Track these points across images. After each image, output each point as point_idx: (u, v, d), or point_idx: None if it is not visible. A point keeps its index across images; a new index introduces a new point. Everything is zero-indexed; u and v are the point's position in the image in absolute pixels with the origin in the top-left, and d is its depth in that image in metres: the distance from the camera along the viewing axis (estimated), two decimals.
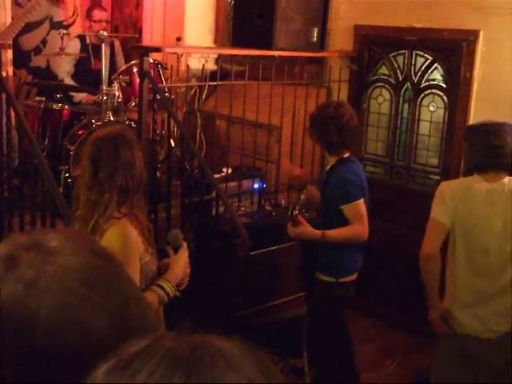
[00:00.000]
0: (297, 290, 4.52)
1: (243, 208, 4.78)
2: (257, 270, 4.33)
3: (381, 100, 5.35)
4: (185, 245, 2.65)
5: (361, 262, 3.74)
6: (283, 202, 4.89)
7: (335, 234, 3.55)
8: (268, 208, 4.82)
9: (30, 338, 0.80)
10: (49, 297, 0.81)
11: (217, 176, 4.59)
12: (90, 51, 5.65)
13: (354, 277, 3.72)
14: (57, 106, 5.11)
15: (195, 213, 4.41)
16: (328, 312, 3.75)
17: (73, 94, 5.60)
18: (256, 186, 4.91)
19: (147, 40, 6.02)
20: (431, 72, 4.96)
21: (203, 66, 4.98)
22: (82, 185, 2.46)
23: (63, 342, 0.81)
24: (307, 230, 3.61)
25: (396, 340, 4.81)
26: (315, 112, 3.78)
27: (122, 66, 5.63)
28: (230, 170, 4.85)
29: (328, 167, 3.74)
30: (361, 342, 4.15)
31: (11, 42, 4.51)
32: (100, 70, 5.18)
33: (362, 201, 3.54)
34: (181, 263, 2.60)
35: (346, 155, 3.64)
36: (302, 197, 3.64)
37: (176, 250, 2.63)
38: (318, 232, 3.56)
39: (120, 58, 5.87)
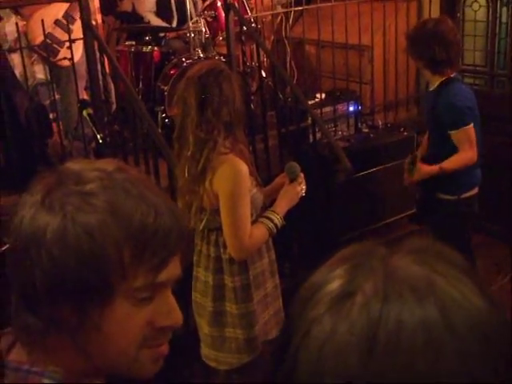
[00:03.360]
0: (399, 211, 4.48)
1: (340, 132, 4.72)
2: (358, 194, 4.31)
3: (476, 7, 5.07)
4: (300, 178, 2.67)
5: (480, 175, 3.70)
6: (380, 122, 4.79)
7: (451, 164, 3.50)
8: (365, 130, 4.74)
9: (43, 250, 0.87)
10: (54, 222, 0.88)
11: (311, 102, 4.54)
12: None
13: (475, 191, 3.68)
14: (147, 49, 5.17)
15: (292, 141, 4.41)
16: (453, 230, 3.75)
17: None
18: (351, 108, 4.82)
19: None
20: None
21: None
22: (188, 124, 2.47)
23: (73, 249, 0.87)
24: (425, 170, 3.57)
25: (508, 255, 4.70)
26: (414, 30, 3.62)
27: None
28: (323, 95, 4.78)
29: (431, 88, 3.58)
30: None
31: None
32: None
33: (471, 126, 3.46)
34: (289, 195, 2.64)
35: (452, 73, 3.51)
36: (418, 155, 3.62)
37: (292, 181, 2.66)
38: (435, 168, 3.52)
39: None
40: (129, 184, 0.91)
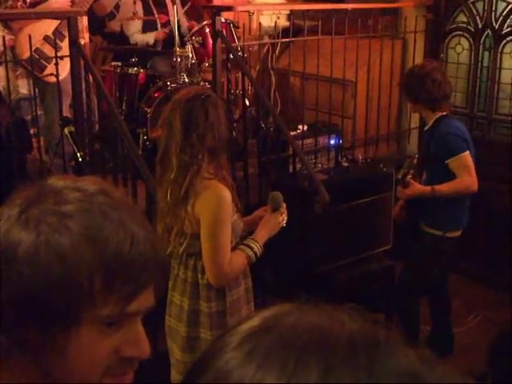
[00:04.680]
0: (375, 245, 4.49)
1: (320, 164, 4.76)
2: (335, 226, 4.32)
3: (459, 49, 5.18)
4: (282, 208, 2.68)
5: (467, 220, 3.78)
6: (360, 157, 4.84)
7: (445, 187, 3.59)
8: (345, 164, 4.78)
9: (13, 267, 0.85)
10: (28, 231, 0.85)
11: (293, 133, 4.57)
12: (151, 7, 5.68)
13: (459, 233, 3.76)
14: (132, 70, 5.19)
15: (272, 170, 4.43)
16: (431, 266, 3.81)
17: (144, 37, 5.68)
18: (332, 142, 4.86)
19: None
20: None
21: (275, 22, 4.93)
22: (172, 148, 2.47)
23: (44, 271, 0.84)
24: (417, 188, 3.66)
25: (479, 295, 4.74)
26: (404, 78, 3.87)
27: (183, 17, 5.63)
28: (305, 127, 4.82)
29: (428, 126, 3.76)
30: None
31: (86, 10, 4.58)
32: (166, 23, 5.23)
33: (467, 153, 3.57)
34: (270, 225, 2.65)
35: (445, 112, 3.67)
36: (415, 161, 3.69)
37: (275, 211, 2.66)
38: (428, 188, 3.62)
39: (180, 9, 5.86)
40: (109, 209, 0.89)
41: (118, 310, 0.88)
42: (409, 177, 3.63)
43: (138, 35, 5.69)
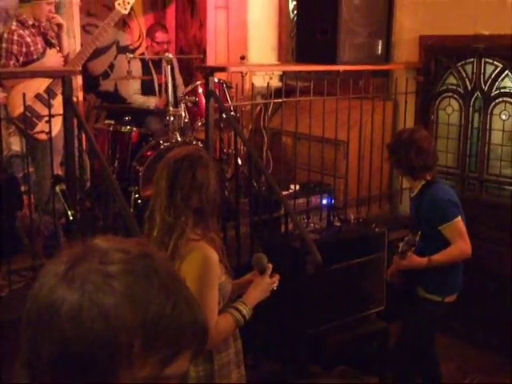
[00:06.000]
0: (368, 307, 4.44)
1: (312, 224, 4.74)
2: (327, 287, 4.27)
3: (449, 111, 5.24)
4: (268, 270, 2.63)
5: (462, 282, 3.72)
6: (352, 217, 4.82)
7: (440, 257, 3.54)
8: (337, 224, 4.76)
9: (56, 323, 0.86)
10: (73, 290, 0.87)
11: (285, 193, 4.56)
12: (151, 68, 5.75)
13: (455, 297, 3.70)
14: (125, 129, 5.21)
15: (264, 230, 4.40)
16: (425, 331, 3.75)
17: (144, 100, 5.71)
18: (324, 201, 4.86)
19: (211, 60, 6.08)
20: (502, 80, 4.84)
21: (268, 83, 4.99)
22: (157, 206, 2.45)
23: (86, 329, 0.85)
24: (414, 260, 3.59)
25: (475, 358, 4.65)
26: (392, 140, 3.86)
27: (180, 80, 5.69)
28: (297, 187, 4.82)
29: (415, 193, 3.73)
30: (439, 359, 4.03)
31: (81, 68, 4.62)
32: (164, 84, 5.29)
33: (459, 218, 3.54)
34: (260, 287, 2.60)
35: (430, 177, 3.66)
36: (417, 238, 3.64)
37: (262, 274, 2.62)
38: (424, 259, 3.56)
39: (178, 73, 5.93)
40: (151, 272, 0.90)
41: (155, 372, 0.88)
42: (409, 253, 3.58)
43: (138, 96, 5.73)
